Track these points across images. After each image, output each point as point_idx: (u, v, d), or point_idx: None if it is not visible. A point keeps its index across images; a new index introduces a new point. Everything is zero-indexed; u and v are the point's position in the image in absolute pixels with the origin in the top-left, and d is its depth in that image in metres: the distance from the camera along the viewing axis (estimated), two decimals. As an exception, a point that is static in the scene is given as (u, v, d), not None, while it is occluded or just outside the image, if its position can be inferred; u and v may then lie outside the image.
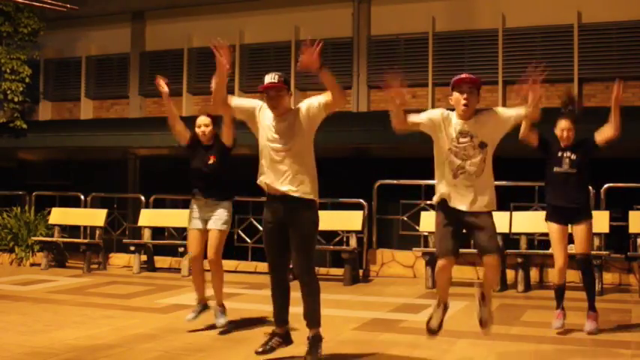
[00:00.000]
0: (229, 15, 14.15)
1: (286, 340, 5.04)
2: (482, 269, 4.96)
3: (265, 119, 4.92)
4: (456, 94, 4.69)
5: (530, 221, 8.83)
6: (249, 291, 8.60)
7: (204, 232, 6.12)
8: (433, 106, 12.59)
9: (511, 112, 4.76)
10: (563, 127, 6.01)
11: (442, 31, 12.72)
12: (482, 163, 4.71)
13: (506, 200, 8.96)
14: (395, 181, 10.33)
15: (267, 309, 6.93)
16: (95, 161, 15.73)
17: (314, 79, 15.19)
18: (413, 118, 4.82)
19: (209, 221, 6.10)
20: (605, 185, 9.03)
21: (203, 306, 6.21)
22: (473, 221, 4.71)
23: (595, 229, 8.38)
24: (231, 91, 15.11)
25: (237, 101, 5.14)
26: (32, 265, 11.34)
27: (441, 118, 4.76)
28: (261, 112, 4.95)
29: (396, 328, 6.26)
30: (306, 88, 13.65)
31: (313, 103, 4.89)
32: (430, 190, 9.16)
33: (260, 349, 4.94)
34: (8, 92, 14.02)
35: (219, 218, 6.08)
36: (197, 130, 6.23)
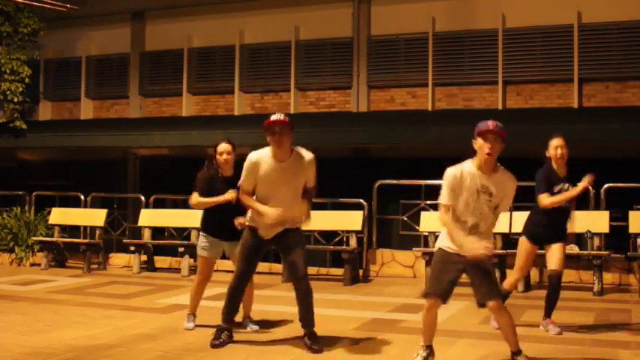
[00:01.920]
0: (229, 15, 14.15)
1: (232, 335, 5.60)
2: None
3: (265, 167, 5.24)
4: (480, 141, 4.57)
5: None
6: (249, 291, 8.58)
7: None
8: (433, 106, 12.60)
9: (506, 203, 4.74)
10: (556, 144, 5.94)
11: (442, 31, 12.72)
12: (492, 225, 4.71)
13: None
14: (395, 181, 10.33)
15: (267, 309, 6.94)
16: (95, 161, 15.73)
17: (313, 79, 15.20)
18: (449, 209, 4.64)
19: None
20: (605, 185, 9.03)
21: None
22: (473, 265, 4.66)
23: (595, 229, 8.45)
24: (230, 91, 15.17)
25: (251, 186, 5.36)
26: (32, 265, 11.34)
27: (460, 180, 4.61)
28: (258, 166, 5.25)
29: (396, 328, 6.26)
30: (306, 88, 13.67)
31: (309, 175, 5.35)
32: (430, 190, 9.17)
33: (216, 342, 5.47)
34: (8, 93, 14.01)
35: None
36: (219, 157, 5.93)
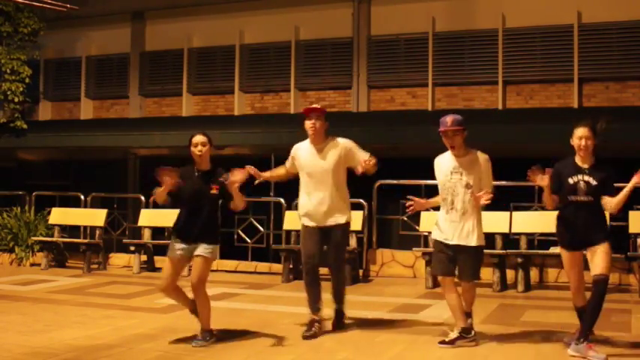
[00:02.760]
0: (229, 15, 14.15)
1: (321, 325, 5.89)
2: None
3: (303, 155, 5.92)
4: (443, 138, 5.39)
5: (530, 221, 8.81)
6: (249, 291, 8.60)
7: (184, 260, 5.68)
8: (433, 106, 12.59)
9: (486, 181, 5.44)
10: (581, 134, 5.25)
11: (442, 31, 12.71)
12: (468, 203, 5.34)
13: (506, 200, 8.94)
14: (395, 181, 10.32)
15: (267, 309, 6.95)
16: (95, 161, 15.73)
17: (313, 79, 15.16)
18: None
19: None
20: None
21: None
22: (459, 252, 5.45)
23: (595, 229, 8.39)
24: (230, 91, 15.11)
25: (290, 165, 6.14)
26: (32, 265, 11.34)
27: (439, 164, 5.56)
28: (297, 153, 5.97)
29: (396, 328, 6.26)
30: (306, 88, 13.67)
31: (353, 154, 5.94)
32: (430, 190, 9.15)
33: (308, 334, 5.74)
34: (8, 93, 14.01)
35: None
36: (193, 149, 5.57)
